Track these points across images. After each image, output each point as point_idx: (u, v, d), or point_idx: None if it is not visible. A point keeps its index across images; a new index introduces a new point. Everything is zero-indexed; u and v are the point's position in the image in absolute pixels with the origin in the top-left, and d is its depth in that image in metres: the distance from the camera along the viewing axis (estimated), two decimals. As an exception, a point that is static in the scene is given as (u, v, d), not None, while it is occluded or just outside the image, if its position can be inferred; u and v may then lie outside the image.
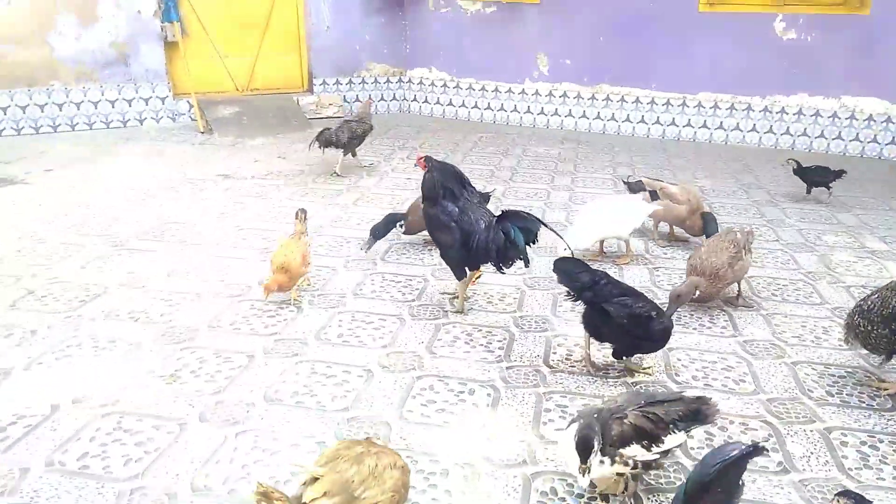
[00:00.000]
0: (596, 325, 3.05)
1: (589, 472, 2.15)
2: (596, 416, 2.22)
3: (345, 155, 6.14)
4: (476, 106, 8.60)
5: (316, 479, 1.86)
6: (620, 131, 8.06)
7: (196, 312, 3.59)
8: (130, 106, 7.47)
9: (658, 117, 7.90)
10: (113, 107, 7.40)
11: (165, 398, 2.85)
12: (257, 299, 3.75)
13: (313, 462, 1.96)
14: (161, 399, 2.84)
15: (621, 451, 2.18)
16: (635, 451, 2.19)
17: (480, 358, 3.26)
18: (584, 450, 2.14)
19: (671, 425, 2.23)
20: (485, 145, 7.36)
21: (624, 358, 3.13)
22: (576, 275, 3.00)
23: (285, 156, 6.75)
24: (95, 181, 5.77)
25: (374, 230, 4.13)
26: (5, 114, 6.97)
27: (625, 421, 2.19)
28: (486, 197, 4.41)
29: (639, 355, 3.23)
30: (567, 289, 3.03)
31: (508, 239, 3.35)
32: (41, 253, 4.28)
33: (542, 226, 3.35)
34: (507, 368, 3.17)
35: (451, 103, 8.72)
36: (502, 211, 3.47)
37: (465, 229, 3.46)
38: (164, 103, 7.60)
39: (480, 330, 3.54)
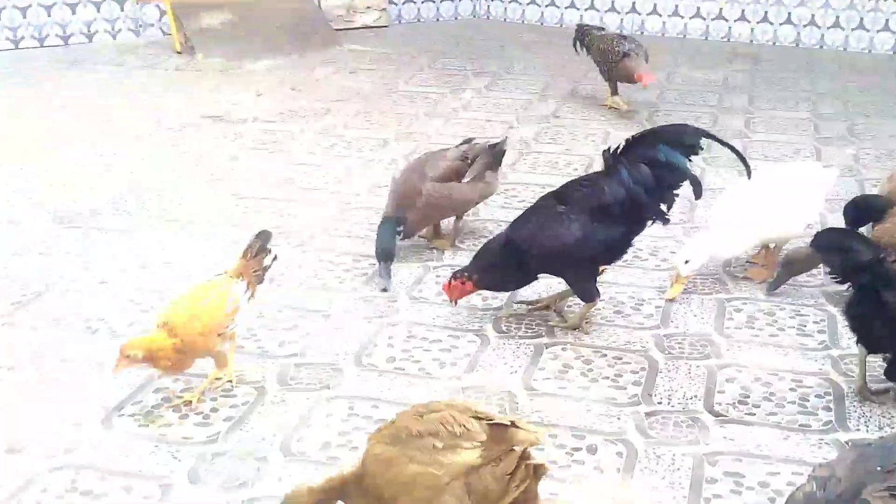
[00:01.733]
0: (869, 322, 3.13)
1: None
2: None
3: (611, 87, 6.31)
4: (593, 6, 8.52)
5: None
6: (824, 43, 7.86)
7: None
8: (74, 14, 7.74)
9: (887, 21, 7.65)
10: (49, 15, 7.68)
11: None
12: (261, 314, 3.86)
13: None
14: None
15: None
16: None
17: (605, 397, 3.27)
18: None
19: None
20: (607, 70, 7.31)
21: None
22: (851, 250, 3.10)
23: (302, 87, 6.88)
24: (29, 127, 6.00)
25: (382, 252, 4.05)
26: None
27: None
28: (498, 156, 4.46)
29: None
30: (835, 269, 3.17)
31: (657, 166, 3.44)
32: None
33: (704, 134, 3.51)
34: (648, 415, 3.18)
35: (553, 2, 8.66)
36: (625, 141, 3.53)
37: (582, 203, 3.50)
38: (122, 10, 7.85)
39: (604, 354, 3.54)
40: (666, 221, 3.59)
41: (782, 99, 6.60)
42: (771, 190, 3.96)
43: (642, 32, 8.38)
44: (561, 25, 8.63)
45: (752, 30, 8.09)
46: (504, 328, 3.72)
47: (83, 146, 5.69)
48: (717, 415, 3.18)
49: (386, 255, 4.05)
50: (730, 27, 8.15)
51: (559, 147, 5.72)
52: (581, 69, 7.32)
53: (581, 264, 3.59)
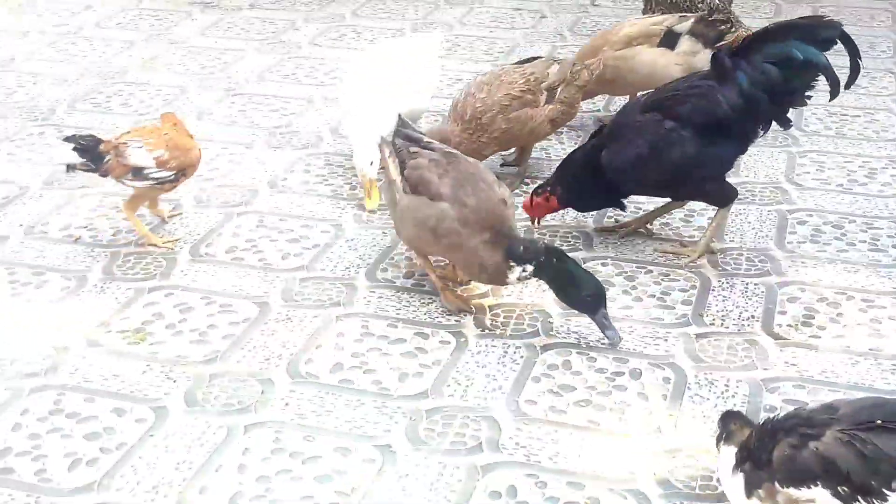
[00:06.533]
0: None
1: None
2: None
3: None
4: None
5: None
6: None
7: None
8: None
9: None
10: None
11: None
12: (261, 222, 3.87)
13: None
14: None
15: (787, 489, 2.23)
16: (817, 500, 2.21)
17: (651, 318, 3.29)
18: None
19: None
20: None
21: None
22: None
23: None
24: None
25: (600, 293, 3.14)
26: None
27: (811, 444, 2.22)
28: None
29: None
30: None
31: (793, 65, 3.37)
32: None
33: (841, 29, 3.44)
34: (699, 337, 3.19)
35: None
36: (745, 38, 3.44)
37: (693, 117, 3.45)
38: None
39: (650, 270, 3.55)
40: (789, 125, 3.56)
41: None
42: (392, 63, 4.32)
43: None
44: None
45: None
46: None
47: (53, 34, 5.66)
48: (776, 337, 3.19)
49: (602, 297, 3.15)
50: None
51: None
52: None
53: (699, 183, 3.57)
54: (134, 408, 2.85)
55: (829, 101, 3.63)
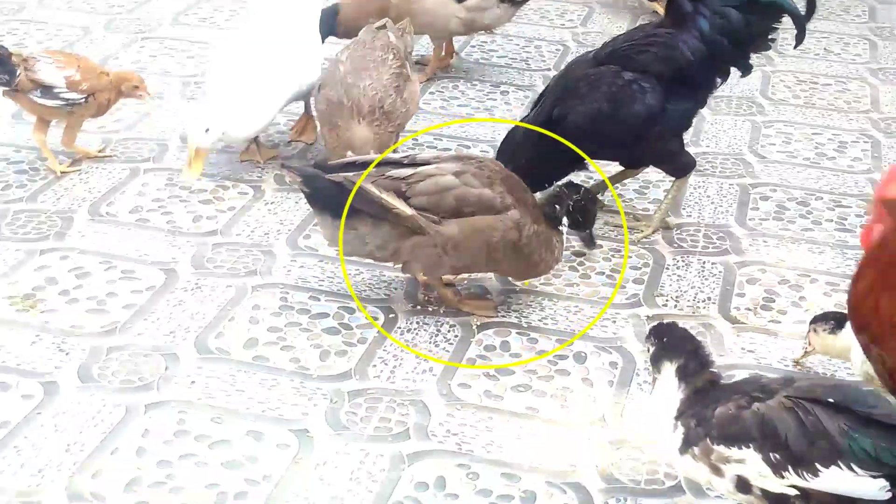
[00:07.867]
0: None
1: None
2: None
3: None
4: None
5: None
6: None
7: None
8: None
9: None
10: None
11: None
12: (169, 180, 3.83)
13: None
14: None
15: (719, 447, 2.27)
16: (747, 461, 2.25)
17: (598, 297, 3.31)
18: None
19: (852, 444, 2.20)
20: None
21: None
22: None
23: None
24: None
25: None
26: None
27: (755, 405, 2.27)
28: None
29: None
30: None
31: (751, 9, 3.41)
32: None
33: None
34: (650, 319, 3.21)
35: None
36: None
37: (654, 67, 3.47)
38: None
39: (599, 245, 3.54)
40: (749, 71, 3.59)
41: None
42: (275, 34, 3.94)
43: None
44: None
45: None
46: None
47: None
48: (734, 321, 3.22)
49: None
50: None
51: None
52: None
53: (660, 141, 3.58)
54: (20, 382, 2.80)
55: (795, 47, 3.77)
